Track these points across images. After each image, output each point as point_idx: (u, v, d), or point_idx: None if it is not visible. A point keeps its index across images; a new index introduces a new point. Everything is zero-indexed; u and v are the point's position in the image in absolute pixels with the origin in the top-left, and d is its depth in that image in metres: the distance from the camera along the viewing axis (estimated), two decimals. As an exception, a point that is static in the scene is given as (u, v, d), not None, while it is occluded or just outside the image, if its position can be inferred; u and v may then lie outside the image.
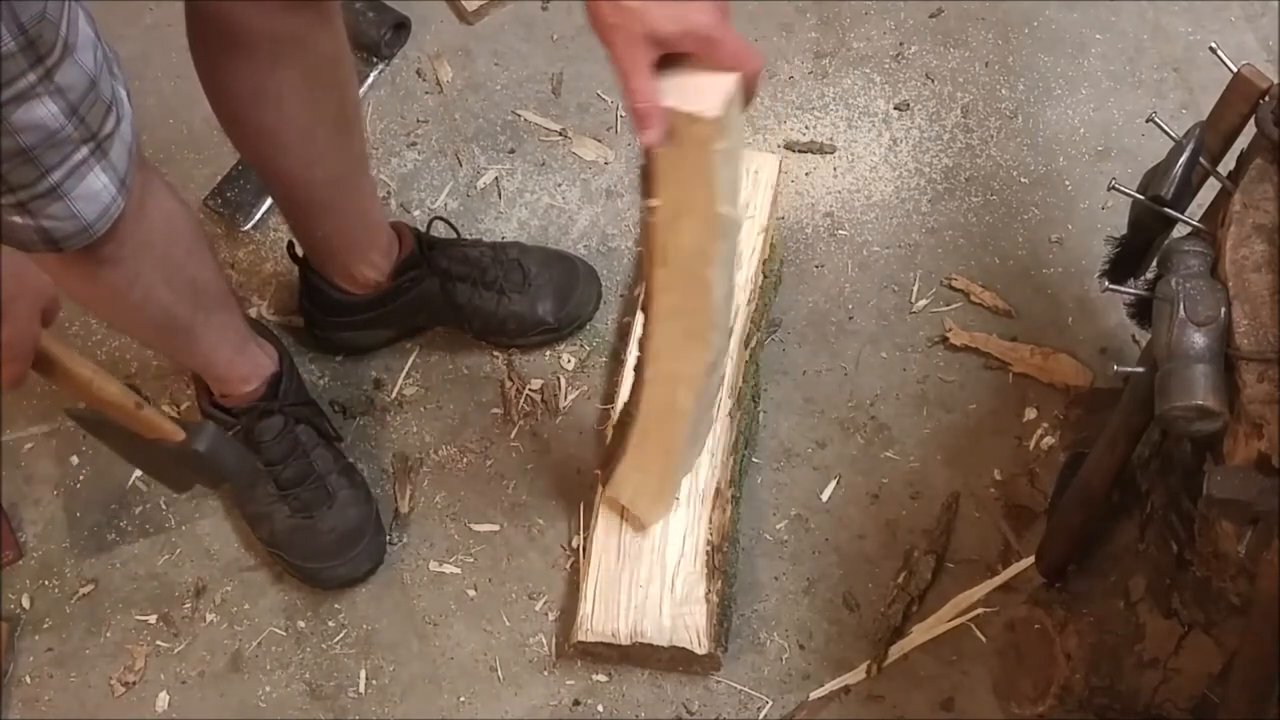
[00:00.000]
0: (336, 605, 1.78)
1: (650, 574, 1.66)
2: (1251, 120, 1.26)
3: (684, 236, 1.27)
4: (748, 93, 1.18)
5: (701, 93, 1.14)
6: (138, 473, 1.87)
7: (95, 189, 1.26)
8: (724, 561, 1.68)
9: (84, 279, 1.41)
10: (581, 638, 1.65)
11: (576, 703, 1.71)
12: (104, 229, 1.30)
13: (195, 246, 1.53)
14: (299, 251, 1.84)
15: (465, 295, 1.85)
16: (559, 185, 2.05)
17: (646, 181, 1.21)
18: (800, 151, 2.07)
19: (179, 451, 1.34)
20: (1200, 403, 1.14)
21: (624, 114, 2.10)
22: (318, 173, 1.62)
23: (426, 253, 1.83)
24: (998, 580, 1.75)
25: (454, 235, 1.92)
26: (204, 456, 1.34)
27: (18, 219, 1.25)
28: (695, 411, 1.52)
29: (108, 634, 1.78)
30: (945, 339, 1.91)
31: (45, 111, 1.16)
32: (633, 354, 1.64)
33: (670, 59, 1.14)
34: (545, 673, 1.73)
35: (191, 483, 1.43)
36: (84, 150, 1.23)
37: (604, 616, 1.65)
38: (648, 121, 1.13)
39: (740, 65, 1.15)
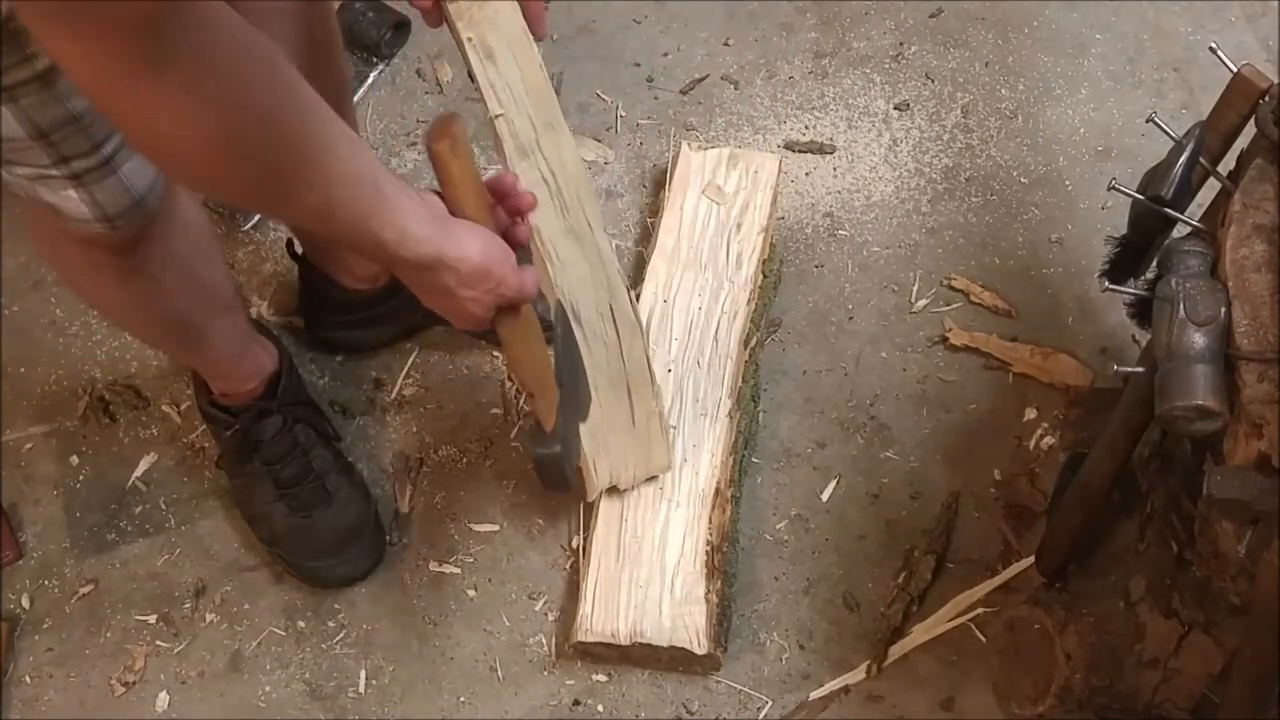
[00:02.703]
0: (336, 605, 1.78)
1: (650, 574, 1.66)
2: (1251, 120, 1.26)
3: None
4: None
5: None
6: (138, 473, 1.87)
7: (142, 161, 1.26)
8: (724, 561, 1.68)
9: (115, 283, 1.44)
10: (581, 638, 1.65)
11: (576, 703, 1.71)
12: (154, 203, 1.32)
13: (212, 254, 1.56)
14: (298, 249, 1.84)
15: None
16: (559, 185, 2.05)
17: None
18: (800, 151, 2.07)
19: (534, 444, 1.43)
20: (1200, 403, 1.14)
21: (622, 113, 2.11)
22: None
23: None
24: (998, 580, 1.75)
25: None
26: (538, 458, 1.43)
27: (72, 193, 1.25)
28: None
29: (108, 634, 1.78)
30: (945, 339, 1.91)
31: None
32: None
33: None
34: (545, 673, 1.73)
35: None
36: None
37: (604, 617, 1.65)
38: None
39: None
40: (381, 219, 1.14)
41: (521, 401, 1.39)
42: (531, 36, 1.39)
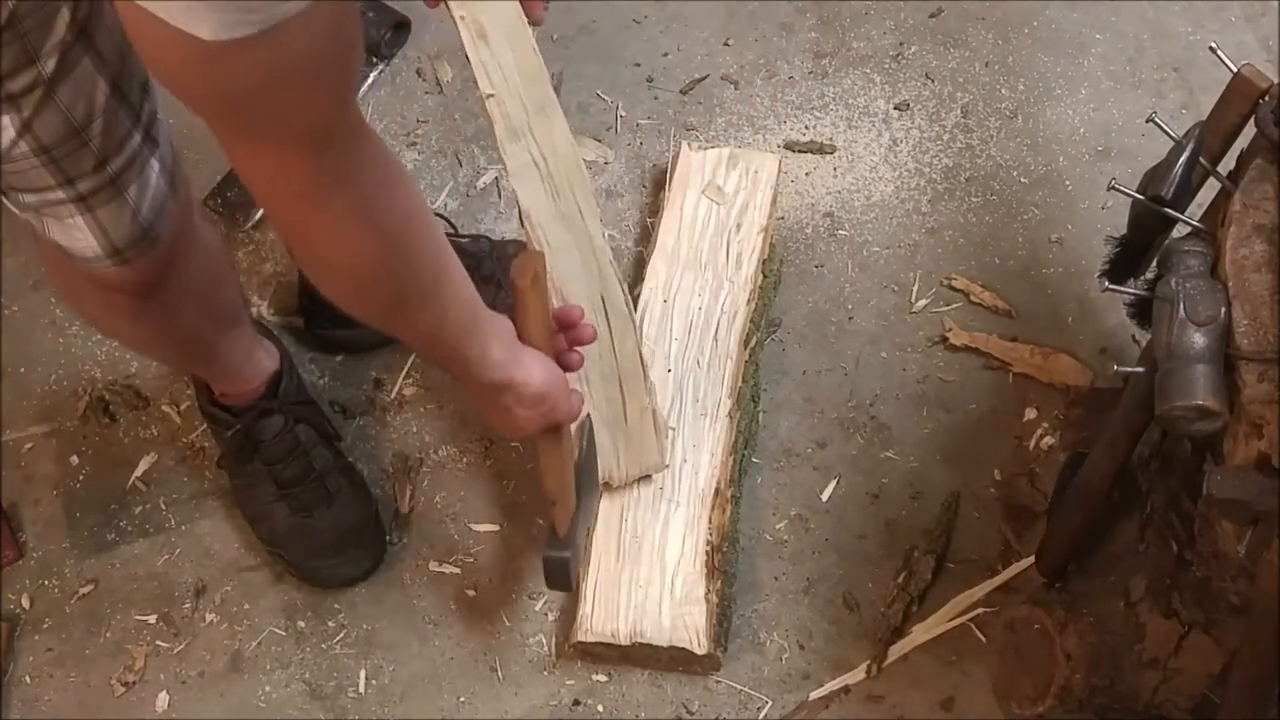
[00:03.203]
0: (336, 605, 1.78)
1: (650, 574, 1.66)
2: (1251, 120, 1.26)
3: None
4: None
5: None
6: (138, 473, 1.87)
7: (150, 179, 1.27)
8: (724, 561, 1.68)
9: (131, 320, 1.45)
10: (581, 638, 1.65)
11: (576, 703, 1.71)
12: (162, 231, 1.31)
13: (226, 276, 1.58)
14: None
15: None
16: (559, 185, 2.05)
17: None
18: (800, 151, 2.07)
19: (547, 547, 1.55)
20: (1200, 403, 1.14)
21: (622, 113, 2.11)
22: None
23: None
24: (998, 580, 1.75)
25: (451, 230, 1.92)
26: (547, 560, 1.55)
27: (80, 220, 1.24)
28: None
29: (108, 634, 1.77)
30: (945, 339, 1.91)
31: (95, 88, 1.16)
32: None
33: None
34: (545, 673, 1.73)
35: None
36: (137, 137, 1.22)
37: (604, 617, 1.65)
38: None
39: None
40: (473, 340, 1.23)
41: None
42: (526, 20, 1.41)
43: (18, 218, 1.28)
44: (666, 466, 1.71)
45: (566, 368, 1.39)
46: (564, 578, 1.55)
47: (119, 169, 1.23)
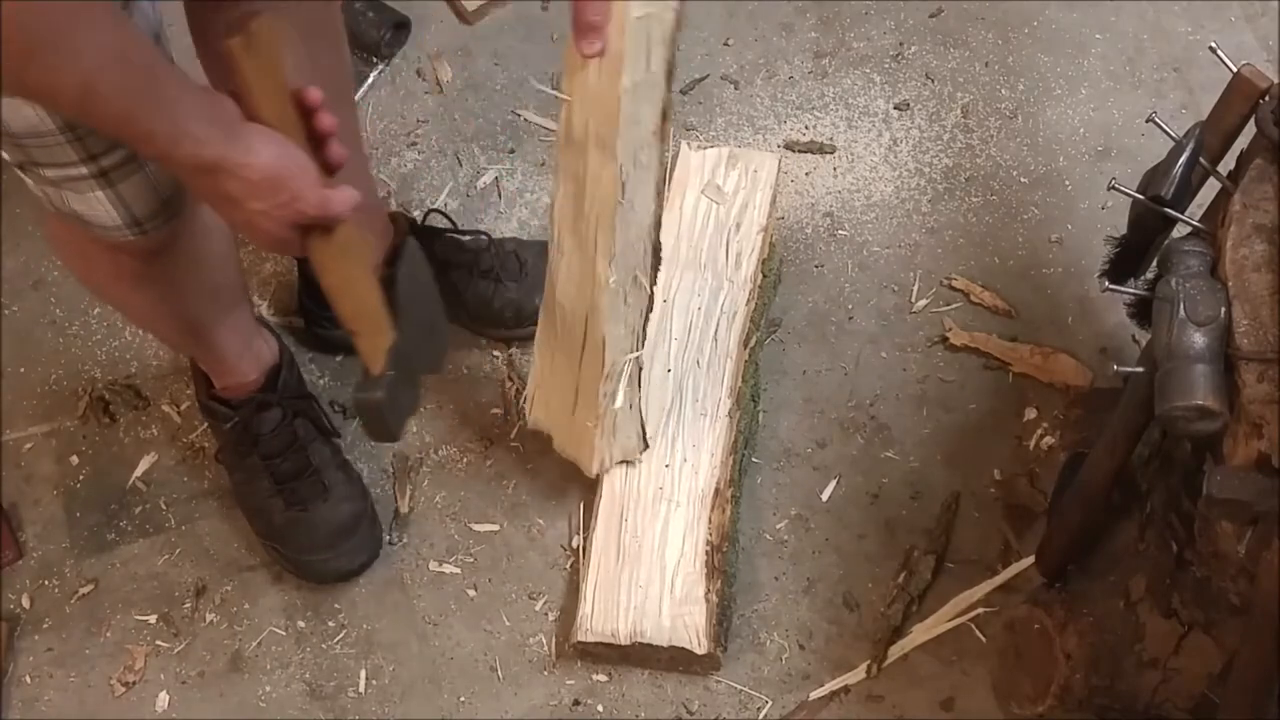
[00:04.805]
0: (336, 605, 1.78)
1: (650, 574, 1.66)
2: (1251, 120, 1.26)
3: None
4: None
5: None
6: (138, 473, 1.87)
7: None
8: (724, 561, 1.68)
9: (135, 286, 1.45)
10: (581, 638, 1.65)
11: (576, 703, 1.71)
12: (180, 203, 1.32)
13: (229, 256, 1.58)
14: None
15: (462, 283, 1.85)
16: (559, 185, 2.05)
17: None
18: (800, 151, 2.07)
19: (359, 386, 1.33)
20: (1200, 403, 1.14)
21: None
22: None
23: (422, 240, 1.83)
24: (998, 580, 1.75)
25: (451, 228, 1.92)
26: (356, 402, 1.33)
27: (100, 194, 1.25)
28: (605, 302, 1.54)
29: (108, 634, 1.78)
30: (945, 339, 1.91)
31: None
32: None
33: None
34: (545, 673, 1.73)
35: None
36: None
37: (604, 617, 1.65)
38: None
39: None
40: (159, 110, 1.05)
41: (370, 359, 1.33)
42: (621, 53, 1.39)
43: (17, 216, 1.28)
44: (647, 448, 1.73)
45: (327, 167, 1.21)
46: (380, 424, 1.34)
47: None
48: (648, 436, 1.71)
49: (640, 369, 1.67)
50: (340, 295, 1.27)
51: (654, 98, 1.45)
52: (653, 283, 1.61)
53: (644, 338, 1.66)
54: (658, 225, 1.58)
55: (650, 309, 1.63)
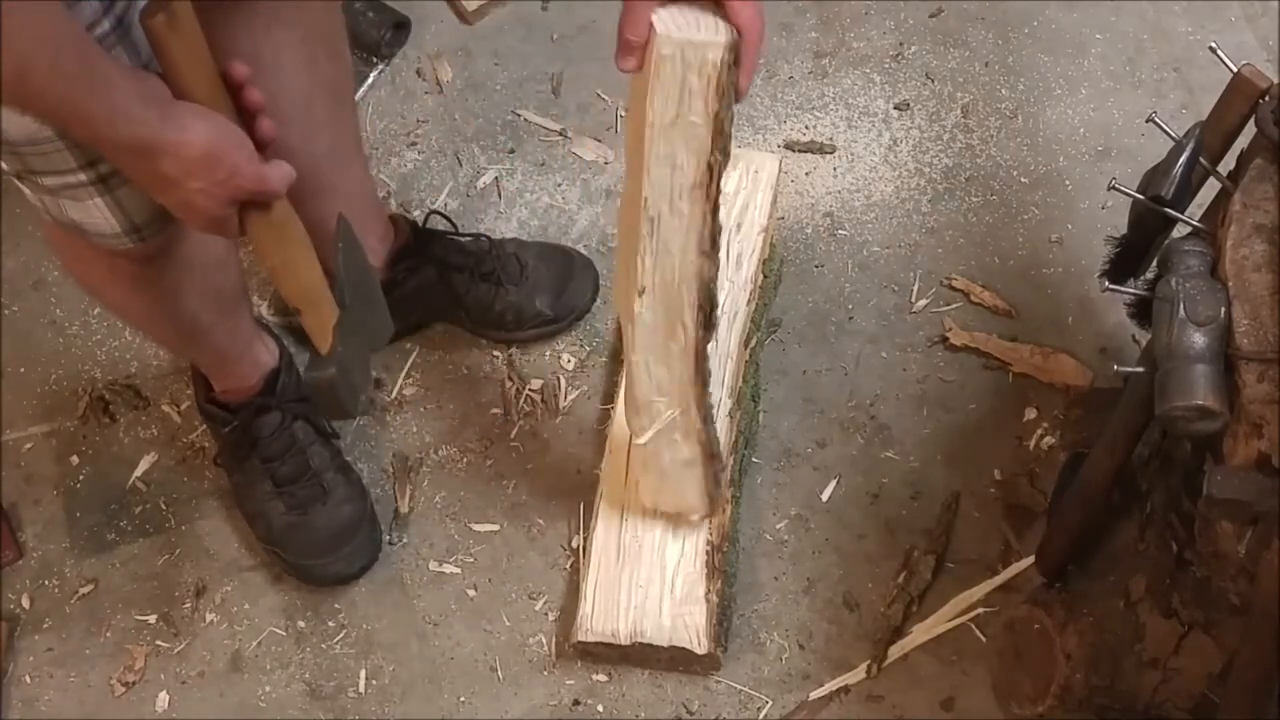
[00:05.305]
0: (336, 605, 1.78)
1: (650, 574, 1.66)
2: (1251, 120, 1.26)
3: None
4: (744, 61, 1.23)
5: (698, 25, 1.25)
6: (138, 473, 1.87)
7: None
8: (724, 561, 1.68)
9: (133, 289, 1.45)
10: (581, 638, 1.65)
11: (576, 703, 1.71)
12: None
13: (229, 259, 1.58)
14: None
15: (463, 286, 1.85)
16: (559, 185, 2.05)
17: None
18: (800, 151, 2.07)
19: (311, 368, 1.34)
20: (1200, 403, 1.14)
21: (622, 113, 2.10)
22: (317, 147, 1.62)
23: (423, 243, 1.84)
24: (998, 580, 1.75)
25: (451, 230, 1.92)
26: (309, 381, 1.34)
27: (99, 201, 1.25)
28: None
29: (108, 634, 1.78)
30: (945, 339, 1.91)
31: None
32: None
33: None
34: (545, 673, 1.73)
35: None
36: None
37: (604, 616, 1.65)
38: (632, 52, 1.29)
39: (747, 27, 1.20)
40: (89, 94, 1.05)
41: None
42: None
43: (17, 216, 1.28)
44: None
45: (259, 142, 1.19)
46: (335, 402, 1.34)
47: None
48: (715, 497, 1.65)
49: (715, 445, 1.58)
50: (283, 275, 1.28)
51: (694, 147, 1.32)
52: (701, 340, 1.44)
53: (702, 403, 1.52)
54: (708, 285, 1.40)
55: (702, 368, 1.48)
